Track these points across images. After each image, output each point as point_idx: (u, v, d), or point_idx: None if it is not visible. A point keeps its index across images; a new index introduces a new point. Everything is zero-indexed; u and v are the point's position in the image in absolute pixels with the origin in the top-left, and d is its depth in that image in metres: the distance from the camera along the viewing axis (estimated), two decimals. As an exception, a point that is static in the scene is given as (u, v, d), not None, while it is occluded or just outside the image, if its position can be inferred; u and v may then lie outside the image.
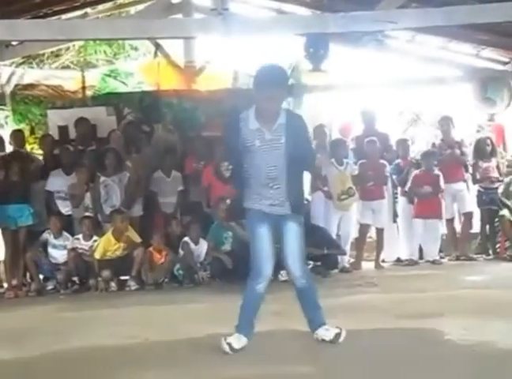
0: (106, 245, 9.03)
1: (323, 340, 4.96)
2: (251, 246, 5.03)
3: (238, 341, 4.85)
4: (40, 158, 10.64)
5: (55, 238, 9.16)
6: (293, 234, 5.00)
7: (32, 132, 11.49)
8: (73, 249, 9.08)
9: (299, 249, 5.02)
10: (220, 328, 4.96)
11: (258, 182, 4.96)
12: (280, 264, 8.35)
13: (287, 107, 5.29)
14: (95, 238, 9.18)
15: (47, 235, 9.17)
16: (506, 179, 10.58)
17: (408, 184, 10.28)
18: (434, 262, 10.10)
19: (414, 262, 10.15)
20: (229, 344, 4.79)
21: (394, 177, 10.46)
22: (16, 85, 11.61)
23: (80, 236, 9.22)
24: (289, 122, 4.94)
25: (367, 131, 10.78)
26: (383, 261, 10.35)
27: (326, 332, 4.99)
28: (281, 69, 5.03)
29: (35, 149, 11.21)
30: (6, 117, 12.36)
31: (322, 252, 8.88)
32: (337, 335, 4.94)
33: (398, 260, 10.46)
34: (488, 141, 10.80)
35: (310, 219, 9.22)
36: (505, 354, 4.49)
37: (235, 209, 5.13)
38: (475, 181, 10.68)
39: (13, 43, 11.17)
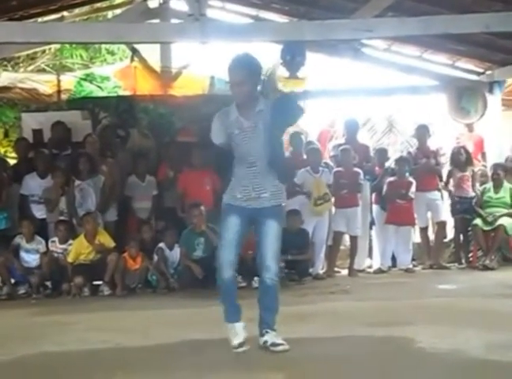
0: (78, 248, 8.96)
1: (265, 342, 4.93)
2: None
3: (236, 336, 4.88)
4: (13, 161, 10.51)
5: (28, 242, 9.06)
6: (272, 233, 4.94)
7: (6, 135, 11.40)
8: (47, 253, 9.01)
9: (277, 249, 4.96)
10: (193, 334, 4.94)
11: (240, 172, 5.00)
12: (253, 271, 8.30)
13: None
14: (70, 241, 9.10)
15: (20, 240, 9.08)
16: (480, 188, 10.66)
17: (384, 190, 10.33)
18: (407, 270, 10.16)
19: (381, 271, 10.22)
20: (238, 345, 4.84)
21: (368, 183, 10.50)
22: (-10, 88, 11.53)
23: (56, 239, 9.14)
24: (267, 109, 4.94)
25: (348, 141, 10.73)
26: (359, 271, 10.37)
27: (274, 338, 4.94)
28: (245, 56, 4.99)
29: (8, 152, 11.12)
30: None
31: (286, 258, 8.70)
32: (281, 345, 4.90)
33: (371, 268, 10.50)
34: (462, 151, 10.86)
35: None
36: (476, 362, 4.50)
37: None
38: (447, 189, 10.77)
39: (-12, 45, 11.07)
